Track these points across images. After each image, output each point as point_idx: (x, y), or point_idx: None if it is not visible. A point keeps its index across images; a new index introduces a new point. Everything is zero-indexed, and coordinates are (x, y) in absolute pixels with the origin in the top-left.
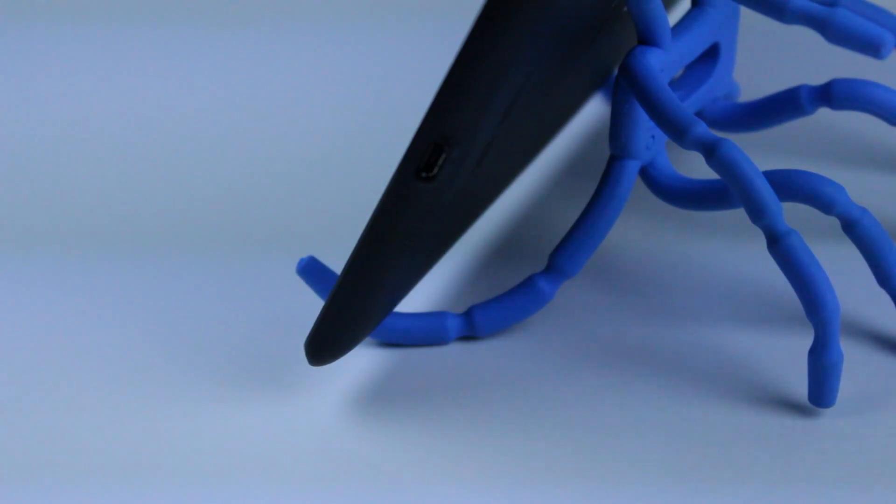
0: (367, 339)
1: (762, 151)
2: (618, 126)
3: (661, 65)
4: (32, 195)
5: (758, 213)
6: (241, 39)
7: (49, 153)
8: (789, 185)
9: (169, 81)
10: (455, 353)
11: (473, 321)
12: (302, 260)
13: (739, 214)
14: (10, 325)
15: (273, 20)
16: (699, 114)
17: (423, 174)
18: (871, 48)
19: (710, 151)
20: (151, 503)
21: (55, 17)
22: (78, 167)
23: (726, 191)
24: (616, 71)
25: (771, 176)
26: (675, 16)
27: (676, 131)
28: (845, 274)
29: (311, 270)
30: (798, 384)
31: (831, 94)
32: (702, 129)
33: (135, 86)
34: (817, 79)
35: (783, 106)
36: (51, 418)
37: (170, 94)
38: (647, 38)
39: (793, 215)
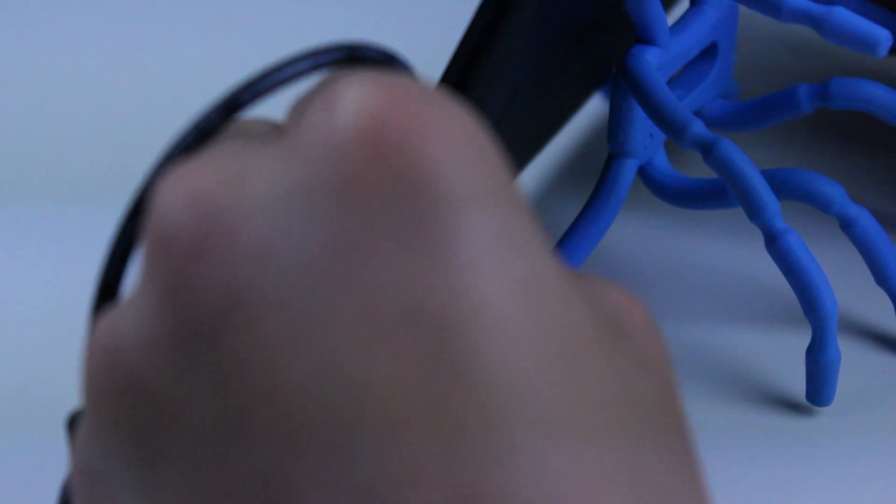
0: None
1: (760, 150)
2: (616, 124)
3: (659, 63)
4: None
5: (755, 212)
6: (236, 37)
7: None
8: (787, 184)
9: (163, 58)
10: None
11: None
12: None
13: (737, 213)
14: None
15: (272, 23)
16: (697, 112)
17: None
18: (868, 46)
19: (708, 150)
20: None
21: None
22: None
23: (724, 189)
24: (614, 70)
25: (769, 174)
26: (673, 15)
27: (674, 130)
28: (843, 272)
29: None
30: (796, 382)
31: (830, 93)
32: (700, 127)
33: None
34: (816, 78)
35: (781, 105)
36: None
37: (163, 71)
38: (645, 36)
39: (791, 214)
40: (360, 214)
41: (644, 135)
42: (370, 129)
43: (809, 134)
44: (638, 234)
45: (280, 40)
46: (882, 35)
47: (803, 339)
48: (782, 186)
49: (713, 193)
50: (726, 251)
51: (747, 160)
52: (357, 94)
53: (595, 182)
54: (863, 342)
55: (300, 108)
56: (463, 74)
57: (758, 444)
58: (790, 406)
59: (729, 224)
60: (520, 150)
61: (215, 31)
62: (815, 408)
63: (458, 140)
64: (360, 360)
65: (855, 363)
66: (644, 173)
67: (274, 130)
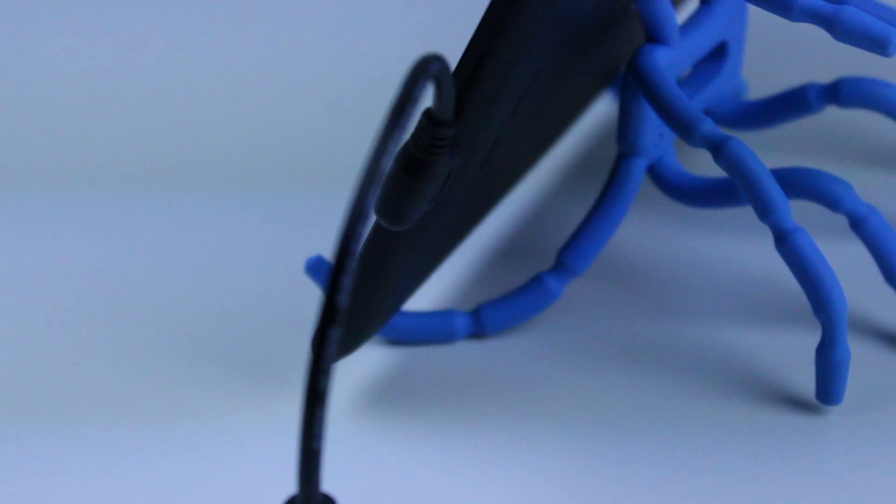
0: (375, 337)
1: (770, 149)
2: (626, 124)
3: (669, 63)
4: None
5: (765, 211)
6: (242, 40)
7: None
8: (797, 183)
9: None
10: (463, 351)
11: (481, 319)
12: (310, 259)
13: (747, 212)
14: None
15: (275, 25)
16: (707, 112)
17: None
18: (879, 45)
19: (718, 149)
20: (147, 501)
21: None
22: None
23: (734, 188)
24: (624, 69)
25: (778, 173)
26: (683, 14)
27: (684, 129)
28: (853, 271)
29: (320, 269)
30: (805, 381)
31: (839, 93)
32: (709, 126)
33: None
34: (825, 77)
35: (791, 104)
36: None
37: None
38: (655, 36)
39: (800, 213)
40: None
41: (653, 134)
42: None
43: (818, 133)
44: (647, 233)
45: (283, 40)
46: (893, 34)
47: (813, 338)
48: (792, 185)
49: (723, 192)
50: (736, 250)
51: (757, 159)
52: None
53: (604, 181)
54: (873, 341)
55: None
56: (474, 73)
57: (767, 443)
58: (800, 405)
59: (738, 223)
60: (529, 149)
61: (216, 30)
62: (825, 407)
63: None
64: None
65: (865, 362)
66: (653, 172)
67: None
